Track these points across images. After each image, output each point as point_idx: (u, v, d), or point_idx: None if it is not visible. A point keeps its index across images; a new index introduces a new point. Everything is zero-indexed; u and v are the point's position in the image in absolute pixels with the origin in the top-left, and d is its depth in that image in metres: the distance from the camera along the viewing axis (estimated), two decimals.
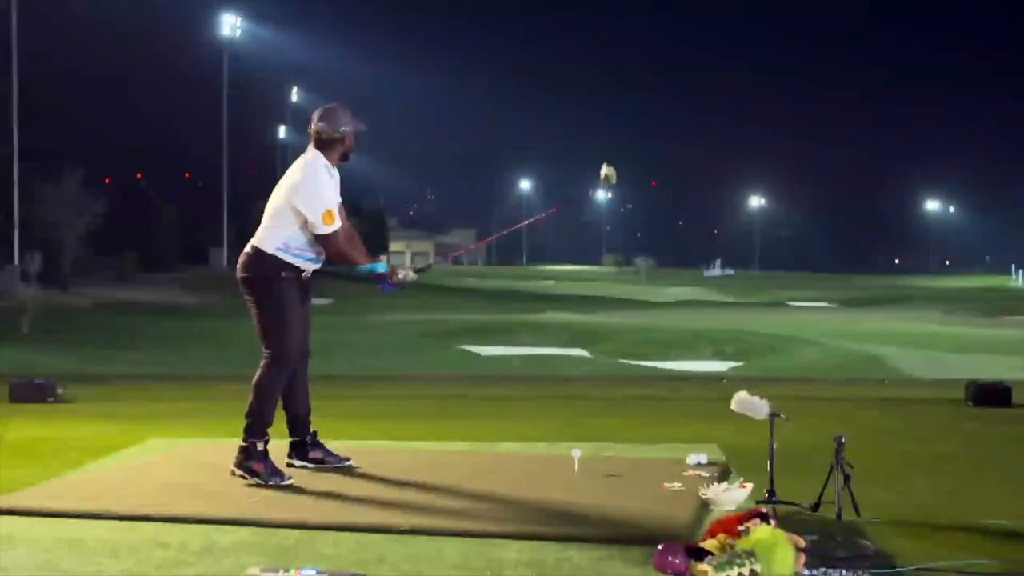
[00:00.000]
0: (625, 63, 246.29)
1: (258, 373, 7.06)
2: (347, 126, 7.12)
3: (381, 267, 7.26)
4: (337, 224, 6.99)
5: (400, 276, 7.26)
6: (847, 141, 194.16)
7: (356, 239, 7.42)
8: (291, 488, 6.68)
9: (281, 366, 7.06)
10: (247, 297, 7.10)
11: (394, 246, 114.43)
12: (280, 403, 7.26)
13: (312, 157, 7.09)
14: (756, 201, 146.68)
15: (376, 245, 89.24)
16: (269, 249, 7.02)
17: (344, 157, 7.20)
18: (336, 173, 7.18)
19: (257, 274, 7.06)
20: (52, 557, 5.12)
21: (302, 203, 6.94)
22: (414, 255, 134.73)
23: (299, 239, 7.01)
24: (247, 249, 7.13)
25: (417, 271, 7.48)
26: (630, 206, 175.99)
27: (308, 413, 7.45)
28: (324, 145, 7.10)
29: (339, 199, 7.20)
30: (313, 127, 7.13)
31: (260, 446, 6.91)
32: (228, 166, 73.84)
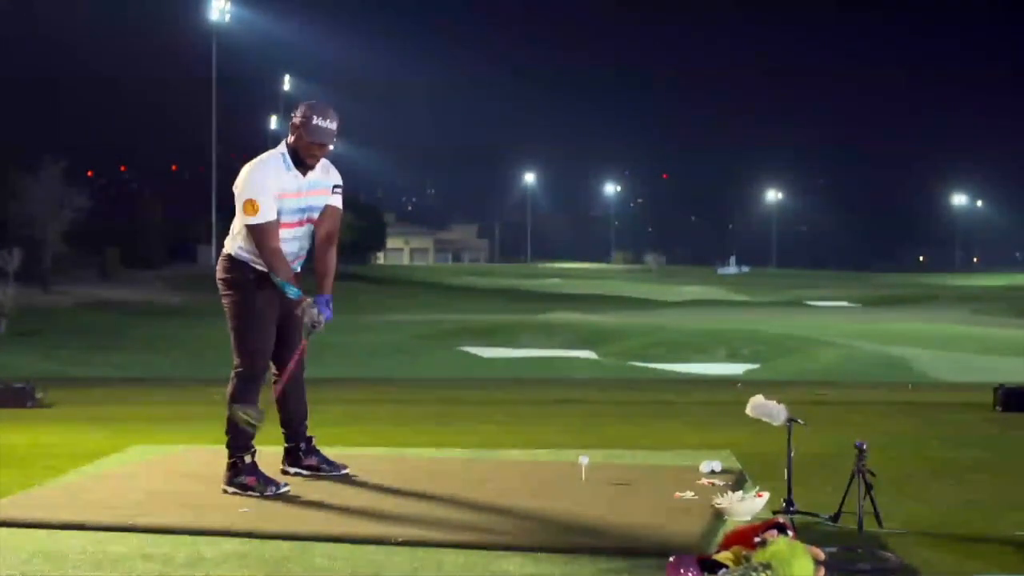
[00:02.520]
0: (635, 55, 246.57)
1: (229, 386, 7.04)
2: (303, 119, 6.89)
3: (292, 292, 6.89)
4: (260, 218, 6.79)
5: (299, 311, 6.90)
6: (869, 132, 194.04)
7: (328, 251, 7.16)
8: (284, 497, 6.67)
9: (250, 378, 7.02)
10: (223, 300, 7.10)
11: (392, 242, 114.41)
12: (275, 407, 7.29)
13: (276, 147, 7.03)
14: (773, 195, 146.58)
15: (372, 241, 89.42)
16: (234, 252, 7.02)
17: (299, 157, 6.92)
18: (295, 168, 6.92)
19: (229, 278, 7.05)
20: (30, 569, 5.11)
21: (236, 191, 6.89)
22: (412, 251, 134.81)
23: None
24: (223, 251, 7.14)
25: (312, 329, 6.92)
26: (640, 200, 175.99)
27: (304, 419, 7.45)
28: (291, 136, 6.98)
29: (310, 203, 7.02)
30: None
31: (247, 459, 6.89)
32: (217, 158, 73.87)
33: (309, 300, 6.91)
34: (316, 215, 7.11)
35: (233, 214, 7.05)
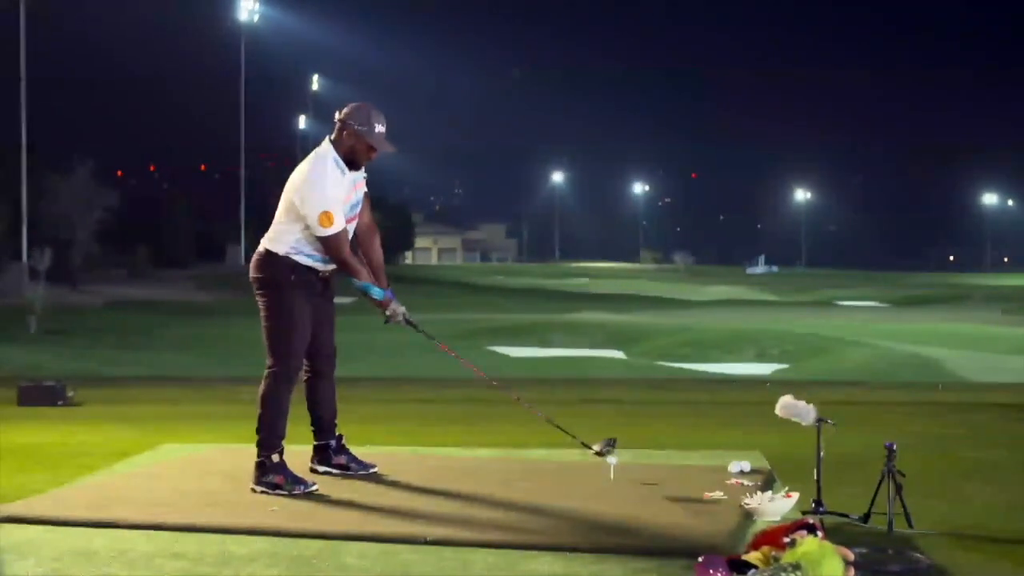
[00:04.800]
0: (665, 55, 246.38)
1: (262, 386, 7.04)
2: (365, 126, 6.97)
3: (377, 293, 7.08)
4: (336, 227, 6.86)
5: (389, 311, 7.12)
6: (899, 131, 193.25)
7: (374, 242, 7.35)
8: (313, 496, 6.69)
9: (284, 378, 7.04)
10: (257, 299, 7.10)
11: (420, 242, 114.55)
12: (306, 405, 7.33)
13: (323, 150, 7.01)
14: (802, 194, 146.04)
15: (401, 241, 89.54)
16: (280, 251, 6.99)
17: (349, 160, 7.00)
18: (348, 170, 7.01)
19: (267, 276, 7.04)
20: (62, 567, 5.14)
21: (300, 200, 6.87)
22: (440, 251, 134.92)
23: (311, 240, 6.95)
24: (259, 248, 7.12)
25: (409, 322, 7.22)
26: (669, 200, 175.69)
27: (333, 417, 7.47)
28: (339, 137, 7.04)
29: (356, 198, 7.11)
30: (339, 113, 7.10)
31: (275, 458, 6.90)
32: (246, 158, 74.10)
33: (393, 300, 7.12)
34: (359, 209, 7.19)
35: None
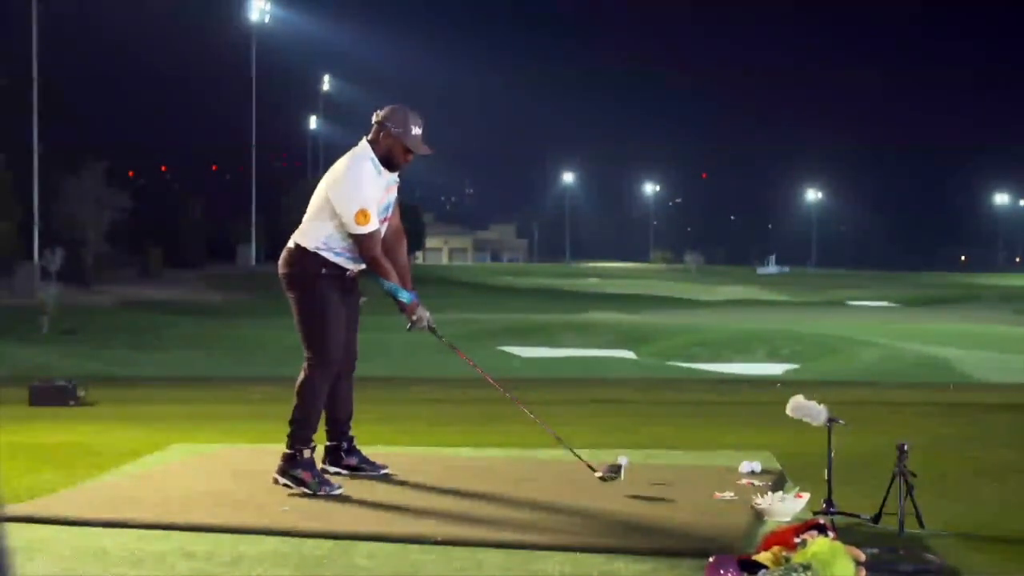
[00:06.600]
0: (674, 55, 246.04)
1: (300, 377, 7.06)
2: (401, 129, 7.02)
3: (405, 296, 7.11)
4: (371, 226, 6.92)
5: (415, 317, 7.16)
6: (910, 131, 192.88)
7: (401, 246, 7.41)
8: (324, 496, 6.69)
9: (323, 369, 7.06)
10: (288, 295, 7.12)
11: (431, 242, 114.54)
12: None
13: (361, 150, 7.06)
14: (813, 194, 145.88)
15: (412, 241, 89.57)
16: (310, 246, 7.02)
17: (385, 161, 7.05)
18: (386, 172, 7.08)
19: (298, 271, 7.06)
20: (74, 567, 5.15)
21: (336, 198, 6.92)
22: (451, 251, 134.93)
23: (342, 237, 6.99)
24: (289, 244, 7.15)
25: (432, 329, 7.28)
26: (679, 200, 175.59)
27: (349, 418, 7.48)
28: (376, 139, 7.07)
29: (390, 199, 7.17)
30: (377, 115, 7.12)
31: (307, 453, 6.91)
32: (256, 158, 74.06)
33: (420, 305, 7.15)
34: (390, 212, 7.22)
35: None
